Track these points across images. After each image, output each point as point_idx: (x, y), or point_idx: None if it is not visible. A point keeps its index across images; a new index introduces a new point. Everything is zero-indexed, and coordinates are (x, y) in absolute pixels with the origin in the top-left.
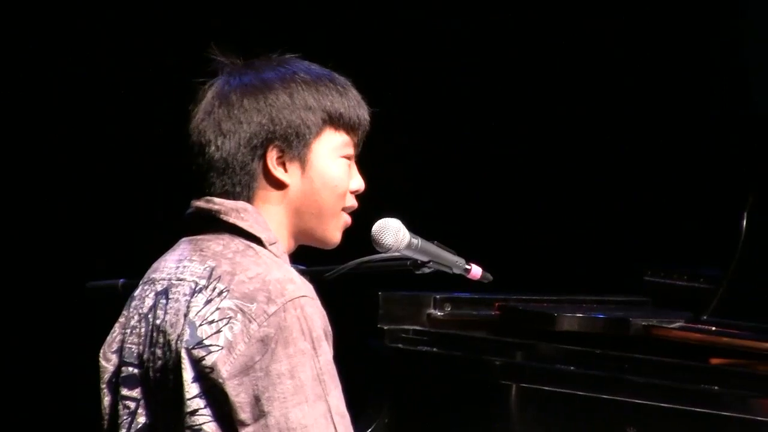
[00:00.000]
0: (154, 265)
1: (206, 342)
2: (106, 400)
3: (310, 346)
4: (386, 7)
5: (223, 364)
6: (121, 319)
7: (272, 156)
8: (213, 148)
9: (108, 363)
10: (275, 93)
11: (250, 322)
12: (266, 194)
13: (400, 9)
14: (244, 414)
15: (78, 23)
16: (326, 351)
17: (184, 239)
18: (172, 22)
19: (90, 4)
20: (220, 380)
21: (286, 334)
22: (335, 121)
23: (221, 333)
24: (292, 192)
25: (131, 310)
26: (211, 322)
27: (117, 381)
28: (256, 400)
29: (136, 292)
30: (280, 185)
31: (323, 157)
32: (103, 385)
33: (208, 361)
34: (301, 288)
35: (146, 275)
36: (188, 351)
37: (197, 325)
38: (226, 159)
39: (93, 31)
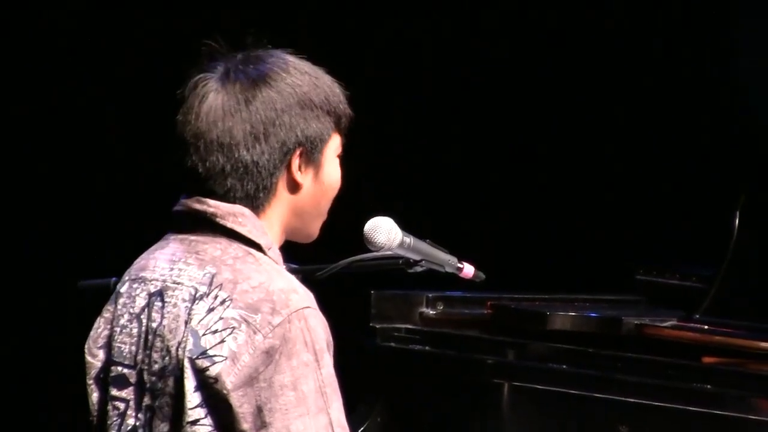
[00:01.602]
0: (142, 263)
1: (210, 352)
2: (94, 396)
3: (313, 358)
4: (381, 4)
5: (227, 375)
6: (106, 315)
7: (296, 160)
8: (243, 150)
9: (94, 359)
10: (304, 96)
11: (254, 333)
12: (281, 196)
13: (398, 6)
14: (246, 424)
15: (70, 19)
16: (328, 363)
17: (173, 237)
18: (164, 20)
19: (90, 3)
20: (225, 391)
21: (290, 346)
22: (340, 124)
23: (225, 343)
24: (303, 194)
25: (119, 307)
26: (215, 331)
27: (105, 379)
28: (259, 411)
29: (123, 289)
30: (295, 188)
31: (329, 159)
32: (90, 381)
33: (212, 371)
34: (305, 299)
35: (133, 272)
36: (192, 360)
37: (200, 334)
38: (256, 162)
39: (87, 28)
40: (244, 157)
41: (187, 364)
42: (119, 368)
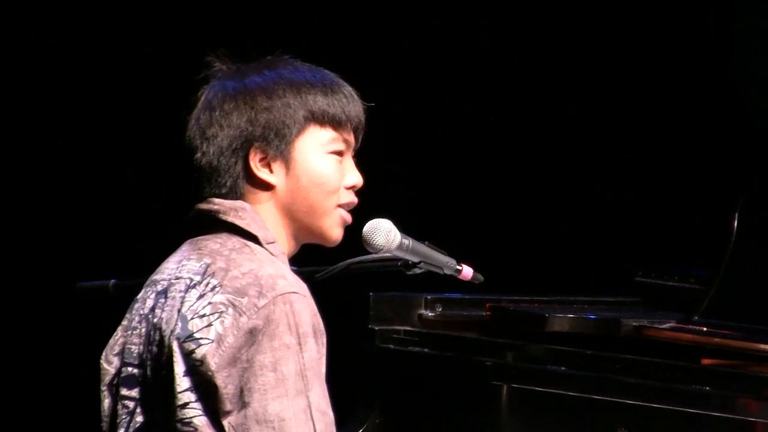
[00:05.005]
0: (158, 268)
1: (197, 335)
2: (106, 402)
3: (296, 341)
4: (385, 7)
5: (212, 356)
6: (124, 322)
7: (255, 157)
8: (199, 153)
9: (109, 366)
10: (254, 95)
11: (240, 315)
12: (255, 195)
13: (399, 8)
14: (231, 405)
15: (74, 21)
16: (312, 348)
17: (186, 241)
18: (171, 21)
19: (91, 4)
20: (210, 373)
21: (272, 327)
22: (319, 117)
23: (212, 327)
24: (280, 191)
25: (133, 312)
26: (203, 316)
27: (117, 383)
28: (241, 392)
29: (139, 295)
30: (266, 186)
31: (308, 153)
32: (104, 388)
33: (198, 354)
34: (293, 284)
35: (149, 278)
36: (180, 344)
37: (188, 318)
38: (210, 163)
39: (89, 28)
40: (201, 160)
41: (175, 347)
42: (129, 368)
